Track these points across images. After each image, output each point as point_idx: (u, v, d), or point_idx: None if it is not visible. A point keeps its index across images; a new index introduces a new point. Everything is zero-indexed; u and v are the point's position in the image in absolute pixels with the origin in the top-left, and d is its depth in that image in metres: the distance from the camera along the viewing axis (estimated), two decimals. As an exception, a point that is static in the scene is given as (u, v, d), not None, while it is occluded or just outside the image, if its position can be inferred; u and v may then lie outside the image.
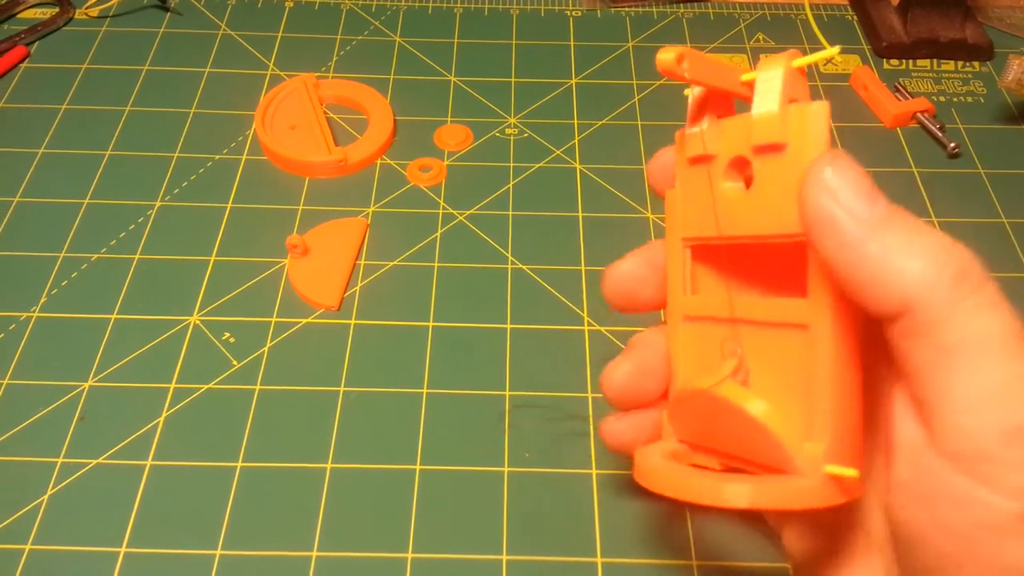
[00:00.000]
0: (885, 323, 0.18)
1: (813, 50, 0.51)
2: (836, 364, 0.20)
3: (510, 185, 0.44)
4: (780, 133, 0.20)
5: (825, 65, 0.51)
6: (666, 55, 0.20)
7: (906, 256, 0.17)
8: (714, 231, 0.22)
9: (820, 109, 0.20)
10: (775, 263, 0.23)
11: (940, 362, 0.17)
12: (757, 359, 0.22)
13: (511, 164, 0.45)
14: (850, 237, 0.18)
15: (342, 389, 0.36)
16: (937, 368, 0.17)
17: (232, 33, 0.52)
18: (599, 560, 0.31)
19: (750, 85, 0.21)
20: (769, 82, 0.21)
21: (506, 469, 0.34)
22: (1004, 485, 0.16)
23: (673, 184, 0.24)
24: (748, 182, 0.22)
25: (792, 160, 0.20)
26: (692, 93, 0.23)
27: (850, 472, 0.19)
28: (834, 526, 0.22)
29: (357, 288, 0.40)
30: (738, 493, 0.21)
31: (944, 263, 0.17)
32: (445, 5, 0.54)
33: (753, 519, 0.32)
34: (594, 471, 0.34)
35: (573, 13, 0.54)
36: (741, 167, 0.22)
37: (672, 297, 0.24)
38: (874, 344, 0.20)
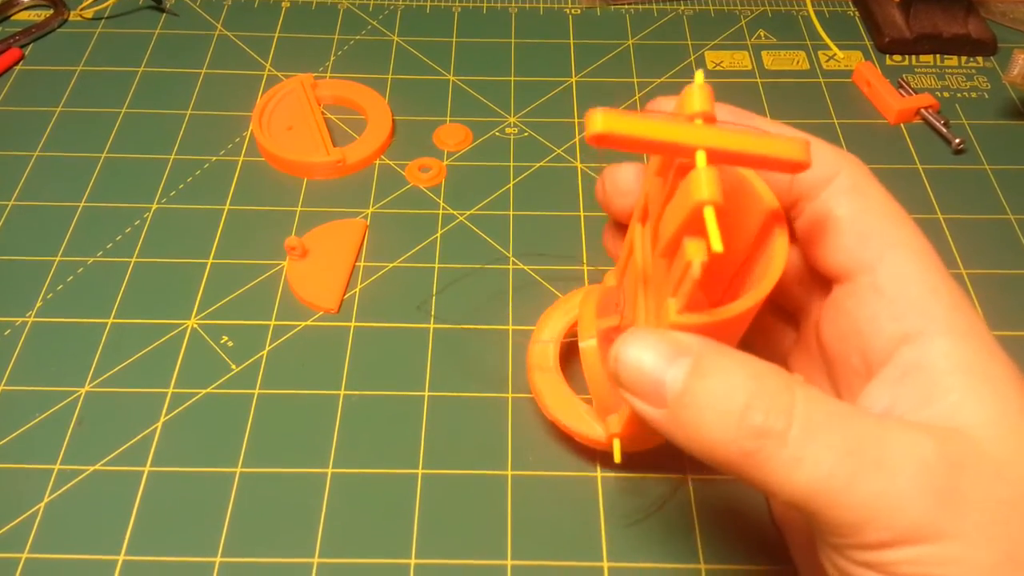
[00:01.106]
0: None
1: (815, 46, 0.51)
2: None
3: (510, 185, 0.43)
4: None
5: (828, 61, 0.50)
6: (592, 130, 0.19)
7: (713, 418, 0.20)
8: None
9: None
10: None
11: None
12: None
13: (511, 163, 0.44)
14: (665, 427, 0.21)
15: (342, 393, 0.36)
16: None
17: (228, 34, 0.51)
18: (605, 564, 0.31)
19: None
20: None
21: (510, 472, 0.33)
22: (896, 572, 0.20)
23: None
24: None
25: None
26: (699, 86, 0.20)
27: (617, 458, 0.28)
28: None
29: (356, 290, 0.39)
30: (563, 416, 0.32)
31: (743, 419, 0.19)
32: (443, 4, 0.54)
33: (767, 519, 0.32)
34: (599, 474, 0.33)
35: (572, 11, 0.53)
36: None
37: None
38: None
